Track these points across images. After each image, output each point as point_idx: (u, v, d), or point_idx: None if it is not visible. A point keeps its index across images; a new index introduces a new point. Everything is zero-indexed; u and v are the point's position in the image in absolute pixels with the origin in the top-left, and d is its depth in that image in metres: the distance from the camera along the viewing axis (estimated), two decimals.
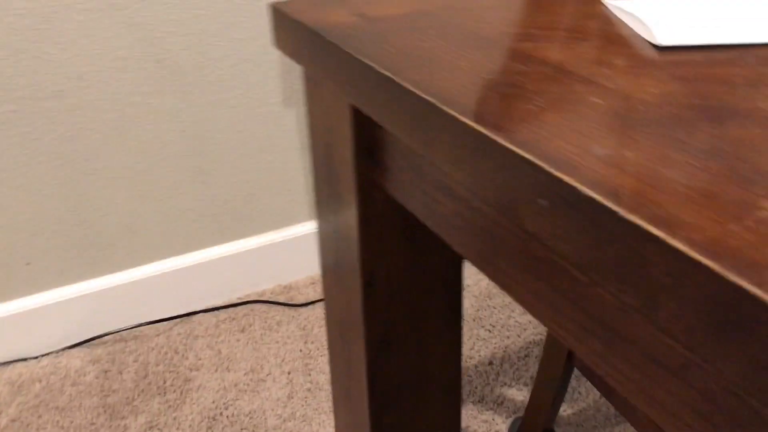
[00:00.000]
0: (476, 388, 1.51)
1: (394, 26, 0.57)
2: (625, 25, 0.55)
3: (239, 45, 1.55)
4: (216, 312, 1.75)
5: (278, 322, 1.71)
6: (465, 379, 1.54)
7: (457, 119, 0.40)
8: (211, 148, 1.63)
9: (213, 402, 1.47)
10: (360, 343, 0.75)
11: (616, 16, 0.57)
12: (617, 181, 0.32)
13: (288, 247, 1.82)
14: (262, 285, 1.83)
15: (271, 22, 0.74)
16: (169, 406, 1.46)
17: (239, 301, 1.79)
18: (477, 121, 0.39)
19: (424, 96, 0.43)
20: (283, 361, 1.58)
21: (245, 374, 1.54)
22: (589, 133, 0.37)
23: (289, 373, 1.55)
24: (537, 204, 0.35)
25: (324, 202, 0.75)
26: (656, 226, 0.29)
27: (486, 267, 0.49)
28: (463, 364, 1.58)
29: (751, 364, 0.26)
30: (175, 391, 1.50)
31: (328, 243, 0.77)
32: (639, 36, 0.52)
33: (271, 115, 1.66)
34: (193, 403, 1.47)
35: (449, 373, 0.79)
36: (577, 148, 0.35)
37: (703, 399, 0.34)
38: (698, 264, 0.27)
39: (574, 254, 0.33)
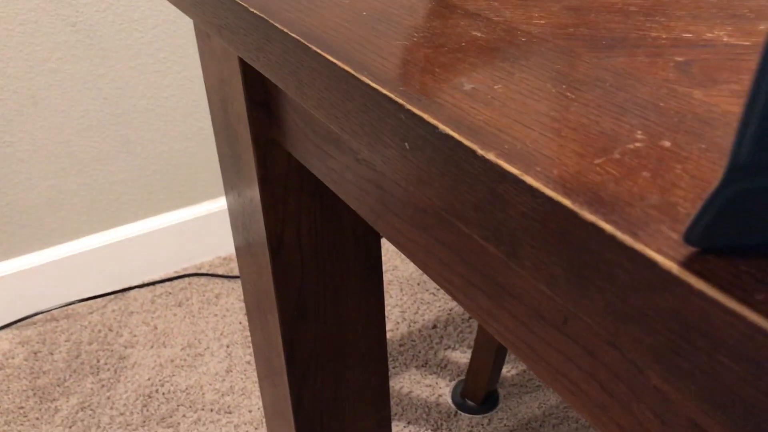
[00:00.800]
0: (420, 352, 1.49)
1: None
2: None
3: (159, 4, 1.48)
4: (152, 287, 1.70)
5: (217, 294, 1.67)
6: (408, 343, 1.52)
7: (323, 57, 0.36)
8: (136, 116, 1.56)
9: (148, 379, 1.42)
10: (274, 313, 0.71)
11: None
12: (480, 116, 0.28)
13: (226, 217, 1.76)
14: (201, 257, 1.78)
15: None
16: (103, 386, 1.41)
17: (176, 274, 1.74)
18: (341, 59, 0.35)
19: (291, 34, 0.38)
20: (221, 334, 1.54)
21: (182, 349, 1.50)
22: (461, 69, 0.33)
23: (227, 347, 1.50)
24: (404, 147, 0.32)
25: (227, 165, 0.70)
26: (511, 162, 0.25)
27: (378, 222, 0.46)
28: (407, 328, 1.56)
29: (612, 313, 0.23)
30: (108, 370, 1.45)
31: (235, 209, 0.73)
32: None
33: (198, 79, 1.59)
34: (128, 382, 1.42)
35: (372, 341, 0.76)
36: (444, 84, 0.31)
37: (584, 353, 0.31)
38: (552, 201, 0.23)
39: (440, 200, 0.29)
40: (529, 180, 0.24)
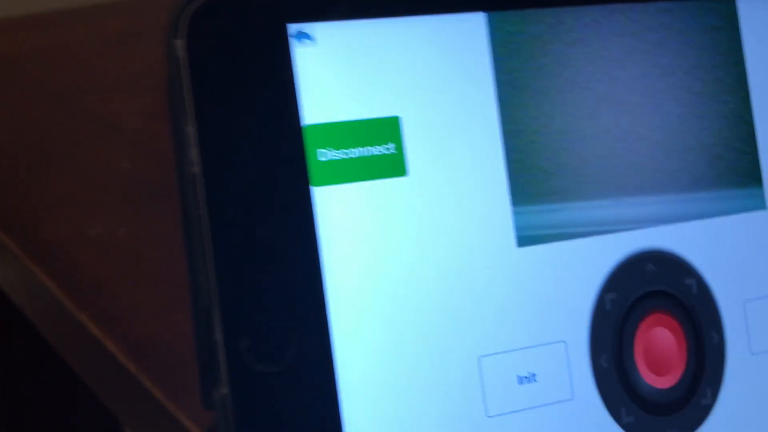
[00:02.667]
0: None
1: None
2: None
3: None
4: None
5: None
6: None
7: None
8: None
9: None
10: None
11: None
12: (90, 269, 0.30)
13: None
14: None
15: None
16: None
17: None
18: None
19: None
20: None
21: None
22: (96, 210, 0.35)
23: None
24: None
25: None
26: (99, 323, 0.27)
27: None
28: None
29: None
30: None
31: None
32: None
33: None
34: None
35: None
36: (73, 230, 0.33)
37: None
38: (122, 368, 0.25)
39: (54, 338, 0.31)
40: (109, 344, 0.26)
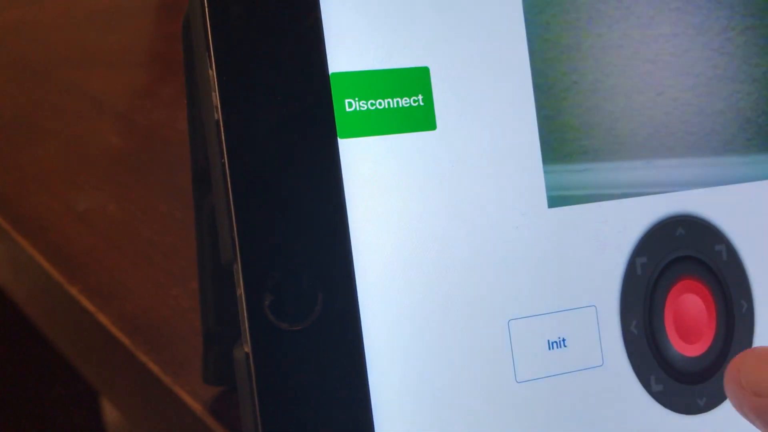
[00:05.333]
0: None
1: None
2: None
3: None
4: None
5: None
6: None
7: None
8: None
9: None
10: None
11: None
12: (82, 243, 0.29)
13: None
14: None
15: None
16: None
17: None
18: None
19: None
20: None
21: None
22: (84, 183, 0.33)
23: None
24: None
25: None
26: (91, 298, 0.26)
27: None
28: None
29: None
30: None
31: None
32: None
33: None
34: None
35: None
36: (61, 204, 0.32)
37: None
38: (116, 340, 0.24)
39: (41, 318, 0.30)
40: (102, 318, 0.25)
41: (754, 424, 0.12)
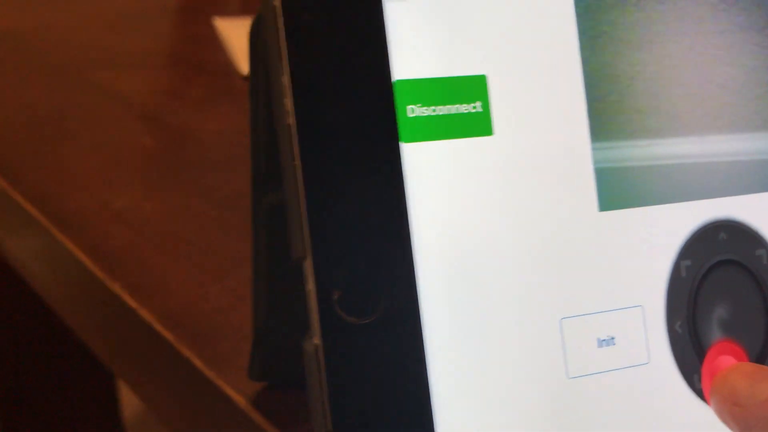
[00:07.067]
0: None
1: None
2: (228, 50, 0.54)
3: None
4: None
5: None
6: None
7: None
8: None
9: None
10: None
11: (223, 39, 0.56)
12: (120, 240, 0.30)
13: None
14: None
15: None
16: None
17: None
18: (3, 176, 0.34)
19: None
20: None
21: None
22: (120, 182, 0.34)
23: None
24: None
25: None
26: (136, 293, 0.27)
27: None
28: None
29: None
30: None
31: None
32: (236, 63, 0.51)
33: None
34: None
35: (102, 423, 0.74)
36: (97, 202, 0.32)
37: None
38: (159, 336, 0.25)
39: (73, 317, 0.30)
40: (144, 314, 0.26)
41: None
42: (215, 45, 0.54)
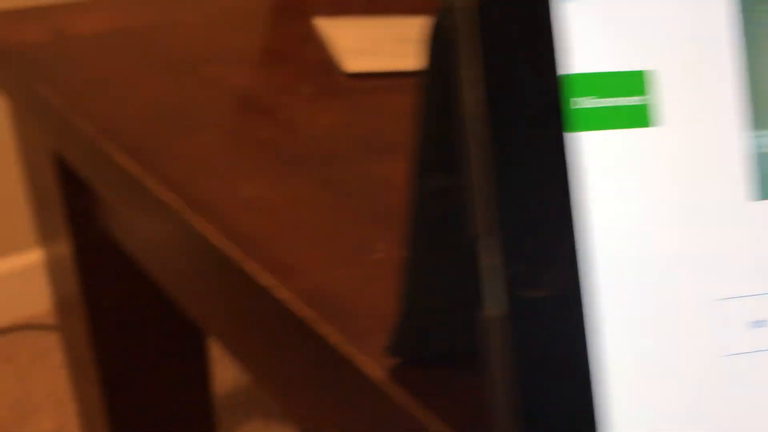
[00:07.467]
0: (263, 402, 1.50)
1: (89, 47, 0.54)
2: (331, 48, 0.56)
3: None
4: None
5: (49, 348, 1.59)
6: (248, 394, 1.52)
7: (113, 158, 0.38)
8: None
9: None
10: (93, 380, 0.71)
11: (324, 38, 0.58)
12: (249, 226, 0.32)
13: None
14: (31, 308, 1.69)
15: None
16: None
17: (4, 327, 1.64)
18: (132, 158, 0.37)
19: (89, 130, 0.40)
20: (53, 391, 1.47)
21: (9, 409, 1.41)
22: (243, 172, 0.36)
23: (59, 405, 1.44)
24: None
25: (42, 229, 0.69)
26: (271, 274, 0.29)
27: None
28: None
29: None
30: None
31: (53, 271, 0.72)
32: (338, 61, 0.53)
33: None
34: None
35: (199, 410, 0.77)
36: (224, 190, 0.34)
37: None
38: (296, 318, 0.27)
39: (210, 299, 0.32)
40: (282, 293, 0.27)
41: None
42: (314, 43, 0.56)
